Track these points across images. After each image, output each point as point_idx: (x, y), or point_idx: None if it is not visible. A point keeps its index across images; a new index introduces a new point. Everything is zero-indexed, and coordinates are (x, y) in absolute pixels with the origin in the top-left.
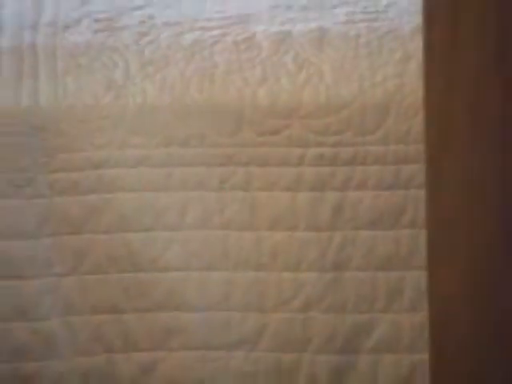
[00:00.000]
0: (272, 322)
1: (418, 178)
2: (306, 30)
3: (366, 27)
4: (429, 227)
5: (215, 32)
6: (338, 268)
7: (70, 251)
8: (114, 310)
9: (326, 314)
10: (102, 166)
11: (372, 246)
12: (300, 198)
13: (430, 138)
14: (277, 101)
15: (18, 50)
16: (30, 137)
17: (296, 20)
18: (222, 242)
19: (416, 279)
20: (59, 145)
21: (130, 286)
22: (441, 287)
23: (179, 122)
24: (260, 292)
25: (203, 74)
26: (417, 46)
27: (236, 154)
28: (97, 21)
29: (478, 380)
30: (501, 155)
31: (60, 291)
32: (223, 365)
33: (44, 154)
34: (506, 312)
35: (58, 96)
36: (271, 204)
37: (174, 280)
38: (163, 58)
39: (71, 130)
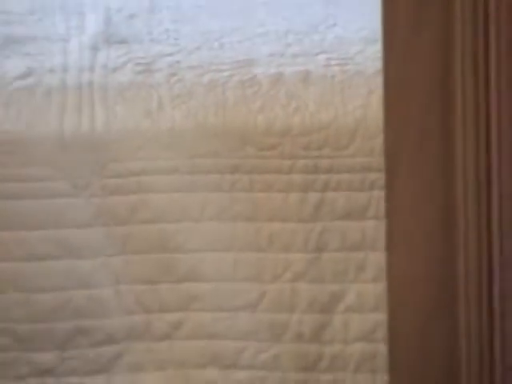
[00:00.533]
0: (269, 290)
1: (379, 183)
2: (294, 71)
3: (340, 70)
4: (387, 218)
5: (226, 73)
6: (319, 250)
7: (117, 238)
8: (150, 281)
9: (310, 284)
10: (141, 174)
11: (345, 233)
12: (290, 198)
13: (387, 153)
14: (272, 125)
15: (79, 86)
16: (89, 152)
17: (287, 64)
18: (231, 230)
19: (378, 258)
20: (109, 158)
21: (162, 263)
22: (396, 264)
23: (200, 140)
24: (259, 268)
25: (218, 105)
26: (378, 83)
27: (241, 164)
28: (137, 64)
29: (425, 334)
30: (444, 164)
31: (110, 267)
32: (232, 323)
33: (98, 164)
34: (448, 279)
35: (109, 121)
36: (268, 202)
37: (195, 259)
38: (188, 92)
39: (118, 146)
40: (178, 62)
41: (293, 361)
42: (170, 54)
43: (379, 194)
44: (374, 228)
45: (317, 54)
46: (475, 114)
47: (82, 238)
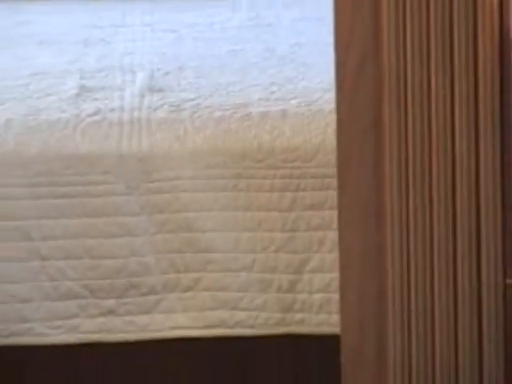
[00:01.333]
0: (259, 258)
1: (333, 185)
2: (276, 110)
3: (307, 109)
4: (339, 209)
5: (230, 111)
6: (293, 231)
7: (157, 222)
8: (179, 251)
9: (287, 254)
10: (173, 179)
11: (310, 219)
12: (273, 196)
13: (338, 165)
14: (262, 146)
15: (131, 120)
16: (138, 164)
17: (271, 106)
18: (234, 217)
19: (333, 236)
20: (152, 168)
21: (187, 240)
22: (345, 240)
23: (213, 156)
24: (253, 243)
25: (225, 133)
26: (333, 119)
27: (242, 172)
28: (171, 106)
29: (362, 286)
30: (377, 171)
31: (153, 242)
32: (234, 280)
33: (144, 173)
34: (379, 247)
35: (152, 144)
36: (259, 198)
37: (209, 237)
38: (204, 124)
39: (158, 160)
40: (198, 104)
41: (276, 305)
42: (193, 99)
43: (333, 193)
44: (330, 215)
45: (291, 99)
46: (398, 138)
47: (134, 222)
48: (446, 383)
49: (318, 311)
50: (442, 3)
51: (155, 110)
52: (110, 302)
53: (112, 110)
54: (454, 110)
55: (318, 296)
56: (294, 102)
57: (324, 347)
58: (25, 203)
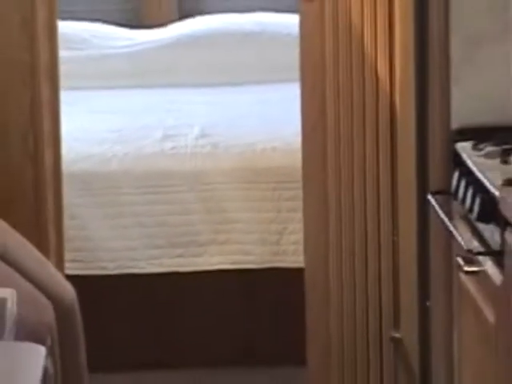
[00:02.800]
0: (261, 227)
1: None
2: (270, 147)
3: (288, 147)
4: (304, 199)
5: (254, 147)
6: (283, 223)
7: (205, 207)
8: (217, 223)
9: (276, 224)
10: (213, 183)
11: (289, 206)
12: (272, 194)
13: (303, 177)
14: (266, 167)
15: (192, 152)
16: (190, 179)
17: (266, 143)
18: (248, 205)
19: (300, 215)
20: (204, 182)
21: (222, 217)
22: (308, 224)
23: (235, 172)
24: (258, 219)
25: (243, 159)
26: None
27: (254, 180)
28: (212, 145)
29: (318, 246)
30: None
31: (202, 219)
32: (247, 239)
33: (199, 182)
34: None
35: (202, 166)
36: (262, 195)
37: (234, 216)
38: (230, 154)
39: (204, 176)
40: (216, 141)
41: (269, 251)
42: (208, 136)
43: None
44: (299, 205)
45: (275, 140)
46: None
47: (193, 207)
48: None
49: (292, 254)
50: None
51: (203, 146)
52: (180, 251)
53: (181, 146)
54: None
55: (292, 247)
56: (277, 143)
57: (296, 276)
58: (141, 199)
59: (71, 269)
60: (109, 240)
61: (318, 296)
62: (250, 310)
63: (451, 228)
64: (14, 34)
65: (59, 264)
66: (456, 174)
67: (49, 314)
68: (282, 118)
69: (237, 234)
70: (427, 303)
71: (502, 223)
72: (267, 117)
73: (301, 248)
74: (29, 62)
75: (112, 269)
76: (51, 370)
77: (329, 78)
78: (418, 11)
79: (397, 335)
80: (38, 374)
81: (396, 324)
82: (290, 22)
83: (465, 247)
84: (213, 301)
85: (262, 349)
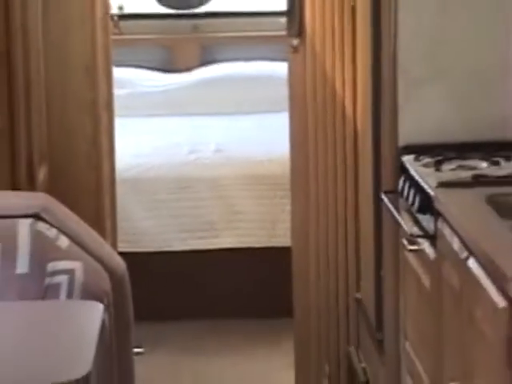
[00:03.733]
0: (263, 217)
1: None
2: (266, 159)
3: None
4: (292, 199)
5: (251, 159)
6: (278, 214)
7: (218, 201)
8: (230, 213)
9: (272, 216)
10: (226, 185)
11: (281, 198)
12: (269, 193)
13: (292, 178)
14: (266, 172)
15: (210, 163)
16: (208, 183)
17: (264, 156)
18: (253, 199)
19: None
20: (216, 184)
21: (231, 209)
22: (295, 211)
23: (242, 177)
24: (260, 210)
25: (249, 167)
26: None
27: (257, 181)
28: (226, 157)
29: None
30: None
31: (216, 210)
32: (249, 225)
33: (211, 186)
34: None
35: (218, 173)
36: (263, 190)
37: (242, 208)
38: (240, 164)
39: (219, 181)
40: (236, 156)
41: (267, 234)
42: (220, 150)
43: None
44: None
45: (271, 154)
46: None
47: (208, 201)
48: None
49: (283, 237)
50: None
51: (218, 158)
52: (201, 234)
53: (202, 158)
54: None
55: (283, 232)
56: (274, 156)
57: (286, 252)
58: (172, 197)
59: (122, 247)
60: (149, 227)
61: (301, 267)
62: (252, 277)
63: (398, 218)
64: (80, 78)
65: (113, 244)
66: (402, 179)
67: (106, 282)
68: (276, 139)
69: (243, 223)
70: (381, 272)
71: (435, 214)
72: (265, 137)
73: (289, 232)
74: (91, 98)
75: (151, 247)
76: (107, 324)
77: (309, 109)
78: (375, 61)
79: (358, 296)
80: (97, 324)
81: (358, 288)
82: (282, 68)
83: (408, 232)
84: (225, 271)
85: (261, 305)
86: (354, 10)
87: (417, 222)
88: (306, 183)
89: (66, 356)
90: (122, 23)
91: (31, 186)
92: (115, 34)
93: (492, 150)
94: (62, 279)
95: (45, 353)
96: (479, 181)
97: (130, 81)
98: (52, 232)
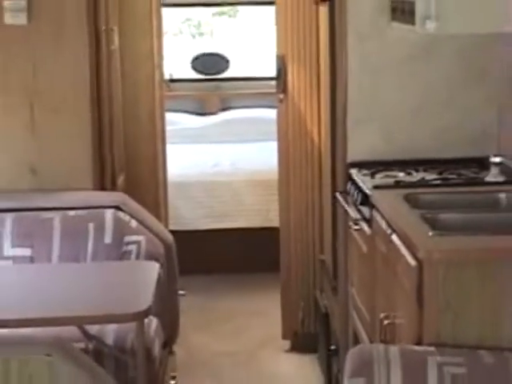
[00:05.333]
0: (261, 207)
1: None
2: (264, 170)
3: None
4: (279, 196)
5: (258, 170)
6: (266, 204)
7: (233, 197)
8: (239, 204)
9: (265, 204)
10: (237, 188)
11: (275, 200)
12: (267, 192)
13: (279, 182)
14: (265, 177)
15: (229, 171)
16: (224, 187)
17: (262, 167)
18: (256, 194)
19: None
20: (231, 187)
21: (239, 202)
22: (282, 205)
23: (251, 182)
24: (259, 201)
25: (255, 174)
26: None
27: (260, 183)
28: (235, 168)
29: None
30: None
31: (236, 203)
32: (250, 213)
33: (227, 188)
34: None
35: (232, 178)
36: (262, 186)
37: (247, 201)
38: (242, 174)
39: (236, 186)
40: (244, 167)
41: (262, 216)
42: (245, 168)
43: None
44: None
45: (267, 166)
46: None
47: (227, 199)
48: None
49: (273, 221)
50: None
51: (233, 169)
52: (220, 218)
53: (222, 170)
54: None
55: (274, 217)
56: (269, 168)
57: (275, 231)
58: (202, 194)
59: (170, 227)
60: (186, 214)
61: (285, 239)
62: (253, 247)
63: (347, 208)
64: (145, 119)
65: (165, 224)
66: (349, 183)
67: (160, 249)
68: (269, 157)
69: (247, 211)
70: (336, 243)
71: (371, 206)
72: (263, 157)
73: (277, 217)
74: (152, 132)
75: (188, 227)
76: (161, 276)
77: (290, 139)
78: (332, 108)
79: (322, 257)
80: (155, 276)
81: (322, 252)
82: (273, 112)
83: (353, 217)
84: (235, 243)
85: (258, 264)
86: (318, 76)
87: (359, 211)
88: (288, 186)
89: (134, 295)
90: (172, 84)
91: (113, 188)
92: (167, 91)
93: (407, 165)
94: (133, 247)
95: (120, 293)
96: (398, 185)
97: (175, 121)
98: (126, 217)
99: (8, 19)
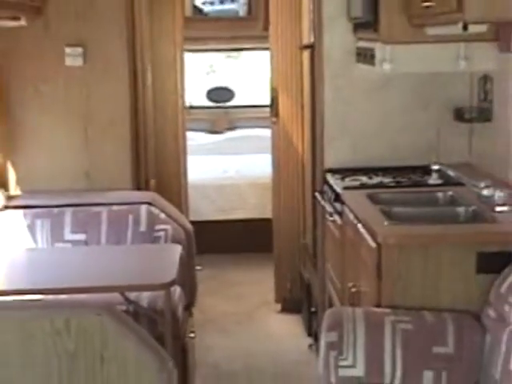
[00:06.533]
0: (261, 201)
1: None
2: (263, 176)
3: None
4: (272, 195)
5: (259, 177)
6: (258, 197)
7: (239, 196)
8: (243, 200)
9: (263, 202)
10: (241, 191)
11: (270, 198)
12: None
13: (273, 185)
14: (261, 180)
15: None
16: (233, 191)
17: (259, 175)
18: (257, 194)
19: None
20: (239, 191)
21: (244, 199)
22: (275, 202)
23: (253, 184)
24: (260, 198)
25: (257, 178)
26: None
27: (260, 184)
28: (236, 172)
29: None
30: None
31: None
32: (254, 206)
33: (235, 190)
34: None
35: (238, 182)
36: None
37: (250, 200)
38: (245, 179)
39: (243, 188)
40: (249, 175)
41: (261, 212)
42: (241, 175)
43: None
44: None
45: (264, 173)
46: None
47: (233, 198)
48: None
49: (269, 214)
50: None
51: (238, 175)
52: (229, 211)
53: (229, 175)
54: None
55: (269, 210)
56: (266, 175)
57: (270, 221)
58: (214, 193)
59: (190, 218)
60: (202, 208)
61: (276, 227)
62: (252, 233)
63: (323, 204)
64: (171, 138)
65: (186, 216)
66: (325, 185)
67: (182, 235)
68: (266, 166)
69: (248, 206)
70: (316, 231)
71: (342, 202)
72: (261, 166)
73: (271, 212)
74: (176, 148)
75: (203, 218)
76: (183, 255)
77: (281, 152)
78: (313, 128)
79: (305, 241)
80: (178, 255)
81: (304, 237)
82: (268, 132)
83: (328, 211)
84: (239, 230)
85: (257, 246)
86: (302, 104)
87: (333, 206)
88: (279, 187)
89: (162, 270)
90: (191, 110)
91: (147, 188)
92: (187, 115)
93: (369, 171)
94: (161, 234)
95: (152, 268)
96: (362, 186)
97: (194, 138)
98: (156, 211)
99: (68, 62)
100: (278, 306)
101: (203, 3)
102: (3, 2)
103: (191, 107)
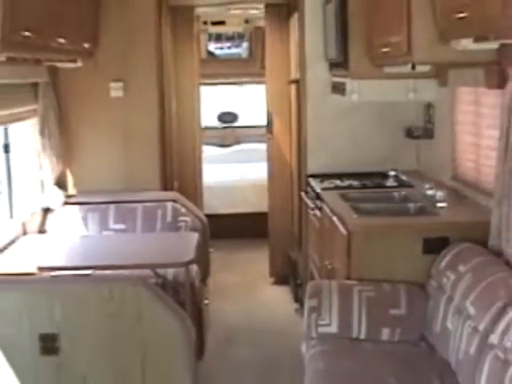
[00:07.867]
0: (260, 198)
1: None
2: (262, 178)
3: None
4: (269, 193)
5: (259, 180)
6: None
7: (242, 195)
8: (244, 199)
9: (262, 199)
10: (245, 192)
11: (266, 195)
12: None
13: (269, 185)
14: (258, 182)
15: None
16: (237, 192)
17: (258, 179)
18: (257, 191)
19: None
20: (243, 192)
21: (244, 197)
22: (271, 199)
23: (255, 186)
24: (258, 194)
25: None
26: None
27: (259, 185)
28: (246, 178)
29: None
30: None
31: (242, 198)
32: (255, 201)
33: (241, 190)
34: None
35: (240, 183)
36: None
37: (251, 198)
38: (248, 181)
39: (247, 189)
40: (252, 179)
41: (260, 206)
42: (246, 179)
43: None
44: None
45: (263, 176)
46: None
47: (238, 198)
48: None
49: (265, 208)
50: None
51: (243, 178)
52: (234, 205)
53: (236, 178)
54: None
55: (265, 205)
56: (264, 178)
57: (266, 214)
58: (222, 192)
59: (205, 212)
60: (213, 204)
61: (271, 219)
62: (252, 224)
63: (307, 201)
64: (190, 151)
65: (201, 210)
66: (308, 187)
67: (199, 225)
68: (264, 172)
69: (249, 202)
70: (302, 222)
71: (321, 200)
72: (260, 172)
73: (267, 206)
74: (193, 158)
75: (214, 212)
76: (199, 240)
77: (275, 161)
78: (299, 143)
79: (292, 230)
80: (195, 240)
81: (292, 226)
82: (264, 146)
83: (311, 206)
84: (241, 221)
85: (256, 232)
86: (291, 124)
87: (314, 203)
88: (274, 188)
89: (183, 251)
90: (206, 130)
91: (171, 189)
92: (202, 133)
93: (341, 176)
94: (183, 224)
95: (176, 250)
96: (336, 188)
97: (207, 150)
98: (179, 206)
99: (112, 94)
100: (272, 279)
101: (215, 48)
102: (66, 50)
103: (206, 127)
